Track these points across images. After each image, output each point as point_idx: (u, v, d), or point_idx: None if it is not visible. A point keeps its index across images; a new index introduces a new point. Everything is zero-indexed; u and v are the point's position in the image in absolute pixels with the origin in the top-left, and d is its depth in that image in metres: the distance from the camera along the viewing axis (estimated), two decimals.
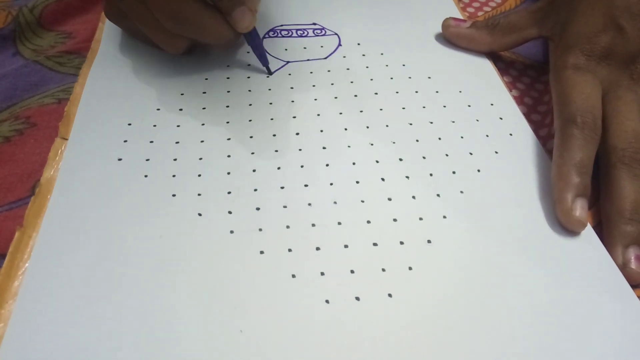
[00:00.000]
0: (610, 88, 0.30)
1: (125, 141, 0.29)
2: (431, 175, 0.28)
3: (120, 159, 0.28)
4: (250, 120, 0.31)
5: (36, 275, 0.22)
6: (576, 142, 0.28)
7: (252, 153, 0.29)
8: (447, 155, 0.29)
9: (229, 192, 0.27)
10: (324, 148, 0.29)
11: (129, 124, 0.30)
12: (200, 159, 0.28)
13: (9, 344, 0.20)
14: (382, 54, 0.36)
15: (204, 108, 0.31)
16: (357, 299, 0.23)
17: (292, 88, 0.33)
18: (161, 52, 0.33)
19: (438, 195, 0.27)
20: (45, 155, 0.27)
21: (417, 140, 0.30)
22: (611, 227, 0.26)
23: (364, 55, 0.36)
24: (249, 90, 0.33)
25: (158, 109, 0.31)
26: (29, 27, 0.38)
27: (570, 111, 0.29)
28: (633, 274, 0.25)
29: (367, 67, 0.35)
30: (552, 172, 0.28)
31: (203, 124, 0.30)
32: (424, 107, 0.32)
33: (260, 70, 0.34)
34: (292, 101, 0.32)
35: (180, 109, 0.31)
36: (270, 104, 0.32)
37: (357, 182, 0.27)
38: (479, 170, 0.29)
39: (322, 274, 0.23)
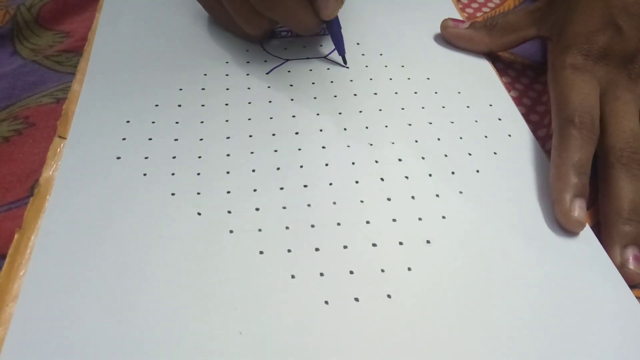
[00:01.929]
0: (608, 88, 0.30)
1: (123, 139, 0.29)
2: (430, 175, 0.28)
3: (119, 157, 0.28)
4: (249, 119, 0.30)
5: (36, 276, 0.22)
6: (574, 143, 0.28)
7: (252, 152, 0.29)
8: (446, 155, 0.29)
9: (228, 192, 0.26)
10: (323, 148, 0.29)
11: (128, 121, 0.30)
12: (199, 157, 0.28)
13: (11, 347, 0.20)
14: (381, 54, 0.36)
15: (202, 105, 0.31)
16: (357, 299, 0.23)
17: (291, 86, 0.33)
18: (159, 44, 0.33)
19: (437, 195, 0.27)
20: (44, 155, 0.27)
21: (416, 141, 0.30)
22: (609, 227, 0.27)
23: (363, 55, 0.36)
24: (248, 88, 0.33)
25: (156, 105, 0.31)
26: (27, 26, 0.38)
27: (569, 111, 0.29)
28: (631, 274, 0.25)
29: (366, 66, 0.35)
30: (550, 173, 0.28)
31: (202, 122, 0.30)
32: (422, 107, 0.32)
33: (259, 67, 0.34)
34: (292, 99, 0.32)
35: (179, 105, 0.31)
36: (270, 102, 0.32)
37: (357, 182, 0.28)
38: (477, 171, 0.29)
39: (322, 274, 0.23)
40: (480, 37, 0.36)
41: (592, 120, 0.28)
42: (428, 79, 0.34)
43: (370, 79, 0.34)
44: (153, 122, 0.30)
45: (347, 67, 0.34)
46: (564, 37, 0.32)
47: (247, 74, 0.33)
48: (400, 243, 0.25)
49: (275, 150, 0.29)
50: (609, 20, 0.31)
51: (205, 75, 0.33)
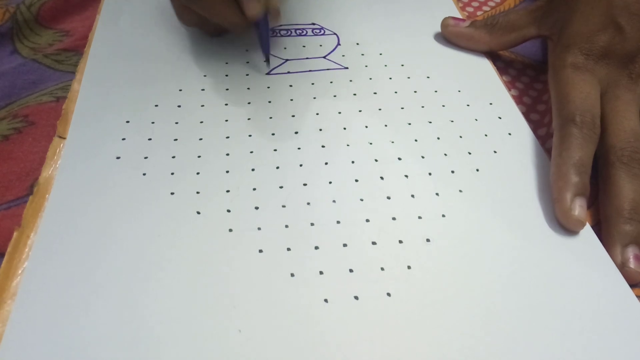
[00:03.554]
0: (608, 87, 0.30)
1: (123, 139, 0.29)
2: (430, 174, 0.28)
3: (118, 157, 0.28)
4: (249, 119, 0.30)
5: (35, 274, 0.22)
6: (575, 142, 0.28)
7: (251, 152, 0.29)
8: (445, 154, 0.29)
9: (228, 191, 0.26)
10: (322, 147, 0.29)
11: (127, 121, 0.30)
12: (199, 156, 0.28)
13: (9, 345, 0.20)
14: (380, 54, 0.36)
15: (202, 105, 0.31)
16: (356, 298, 0.23)
17: (291, 86, 0.33)
18: (160, 45, 0.34)
19: (437, 194, 0.27)
20: (43, 153, 0.27)
21: (416, 140, 0.30)
22: (610, 226, 0.26)
23: (362, 54, 0.36)
24: (248, 89, 0.32)
25: (156, 105, 0.31)
26: (26, 24, 0.38)
27: (569, 110, 0.29)
28: (632, 274, 0.25)
29: (365, 66, 0.35)
30: (551, 171, 0.28)
31: (201, 122, 0.30)
32: (422, 106, 0.32)
33: (259, 67, 0.34)
34: (291, 99, 0.32)
35: (179, 106, 0.31)
36: (269, 102, 0.32)
37: (356, 181, 0.27)
38: (477, 170, 0.29)
39: (321, 272, 0.23)
40: (480, 36, 0.36)
41: (592, 119, 0.28)
42: (428, 77, 0.34)
43: (370, 79, 0.34)
44: (152, 122, 0.30)
45: (267, 70, 0.34)
46: (565, 36, 0.32)
47: (247, 74, 0.33)
48: (400, 241, 0.25)
49: (275, 150, 0.29)
50: (609, 20, 0.31)
51: (204, 76, 0.33)
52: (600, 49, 0.30)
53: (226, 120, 0.30)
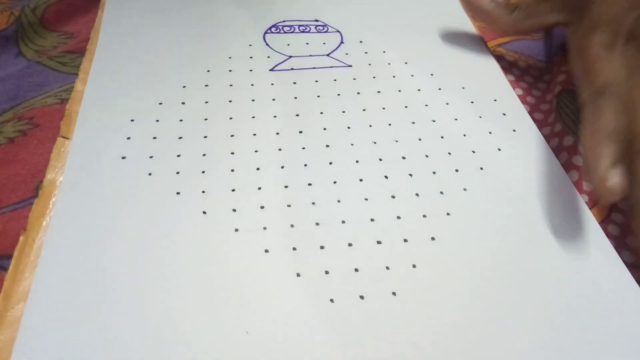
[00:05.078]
0: (635, 71, 0.29)
1: (128, 138, 0.29)
2: (434, 173, 0.28)
3: (123, 157, 0.28)
4: (253, 117, 0.30)
5: (43, 278, 0.22)
6: (609, 112, 0.26)
7: (256, 151, 0.29)
8: (449, 153, 0.29)
9: (233, 190, 0.26)
10: (327, 146, 0.29)
11: (132, 120, 0.30)
12: (204, 155, 0.28)
13: (21, 350, 0.20)
14: (384, 52, 0.36)
15: (206, 102, 0.31)
16: (362, 297, 0.23)
17: (294, 83, 0.33)
18: (162, 41, 0.34)
19: (441, 192, 0.27)
20: (48, 155, 0.27)
21: (420, 139, 0.30)
22: (637, 216, 0.25)
23: (366, 53, 0.36)
24: (252, 85, 0.32)
25: (160, 103, 0.31)
26: (31, 27, 0.38)
27: (602, 81, 0.27)
28: None
29: (369, 64, 0.35)
30: (583, 142, 0.26)
31: (206, 119, 0.30)
32: (426, 105, 0.32)
33: (263, 62, 0.34)
34: (295, 97, 0.32)
35: (183, 103, 0.31)
36: (273, 100, 0.32)
37: (361, 180, 0.27)
38: (481, 168, 0.29)
39: (327, 272, 0.23)
40: (500, 15, 0.35)
41: (624, 93, 0.27)
42: (432, 75, 0.34)
43: (374, 77, 0.34)
44: (157, 121, 0.30)
45: None
46: (589, 18, 0.30)
47: (251, 70, 0.33)
48: (405, 240, 0.25)
49: (280, 149, 0.29)
50: (637, 2, 0.30)
51: (208, 71, 0.33)
52: (627, 29, 0.29)
53: (230, 118, 0.30)
